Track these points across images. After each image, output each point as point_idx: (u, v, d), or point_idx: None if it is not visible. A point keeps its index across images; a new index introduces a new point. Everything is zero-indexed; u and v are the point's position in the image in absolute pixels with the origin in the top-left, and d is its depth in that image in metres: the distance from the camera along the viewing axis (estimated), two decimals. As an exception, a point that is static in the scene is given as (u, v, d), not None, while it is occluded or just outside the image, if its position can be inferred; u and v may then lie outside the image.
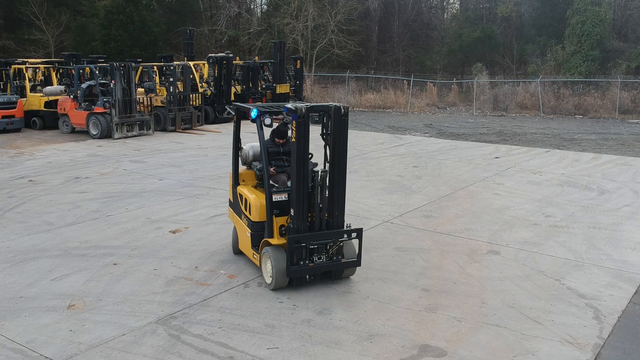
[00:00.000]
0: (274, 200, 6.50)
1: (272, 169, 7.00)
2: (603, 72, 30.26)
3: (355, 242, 6.60)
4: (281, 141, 7.18)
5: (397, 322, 5.72)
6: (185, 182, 11.72)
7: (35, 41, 36.99)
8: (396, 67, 40.91)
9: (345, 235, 6.43)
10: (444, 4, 48.75)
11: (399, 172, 13.02)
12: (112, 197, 10.44)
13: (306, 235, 6.27)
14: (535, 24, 37.24)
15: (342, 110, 6.23)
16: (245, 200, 6.98)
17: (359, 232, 6.45)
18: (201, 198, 10.50)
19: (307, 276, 6.55)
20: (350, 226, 6.49)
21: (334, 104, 6.32)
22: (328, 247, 6.42)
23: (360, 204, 10.16)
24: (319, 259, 6.38)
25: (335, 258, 6.45)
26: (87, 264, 7.18)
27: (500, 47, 38.47)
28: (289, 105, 6.30)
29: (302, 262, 6.28)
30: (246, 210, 6.97)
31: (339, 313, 5.91)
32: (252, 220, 6.78)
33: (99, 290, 6.37)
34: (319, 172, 6.33)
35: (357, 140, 17.79)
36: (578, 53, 30.72)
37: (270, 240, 6.50)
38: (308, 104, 6.49)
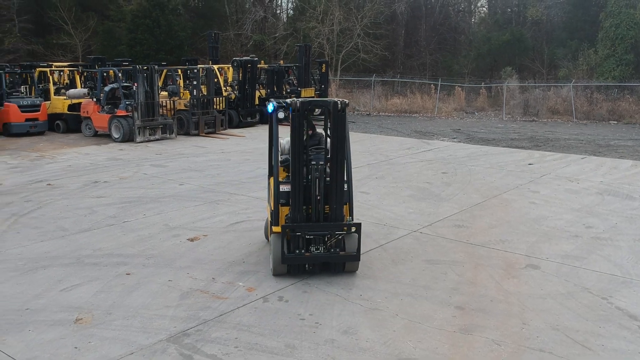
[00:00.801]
0: (280, 190, 6.76)
1: None
2: (638, 77, 29.24)
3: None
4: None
5: (429, 344, 5.21)
6: (206, 188, 11.34)
7: (64, 45, 37.27)
8: (423, 71, 40.26)
9: (344, 229, 6.50)
10: (472, 7, 47.96)
11: (427, 178, 12.48)
12: (130, 202, 10.10)
13: (301, 225, 6.48)
14: (567, 27, 36.26)
15: (339, 106, 6.46)
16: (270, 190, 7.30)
17: (358, 227, 6.53)
18: (222, 204, 10.10)
19: (307, 266, 6.73)
20: (350, 220, 6.72)
21: (333, 99, 6.56)
22: (326, 239, 6.52)
23: (387, 212, 9.66)
24: (317, 249, 6.53)
25: (332, 250, 6.54)
26: (99, 273, 6.81)
27: (530, 51, 37.57)
28: (288, 100, 6.66)
29: (297, 251, 6.47)
30: (270, 200, 7.30)
31: (365, 332, 5.42)
32: (272, 209, 7.00)
33: (109, 303, 5.98)
34: (317, 164, 6.48)
35: (384, 145, 17.28)
36: (612, 57, 29.72)
37: (274, 228, 6.69)
38: (308, 98, 6.82)
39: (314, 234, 6.44)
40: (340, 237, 6.51)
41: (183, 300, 6.07)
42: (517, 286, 6.56)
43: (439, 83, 29.70)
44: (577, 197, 10.81)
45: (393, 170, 13.18)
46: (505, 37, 35.98)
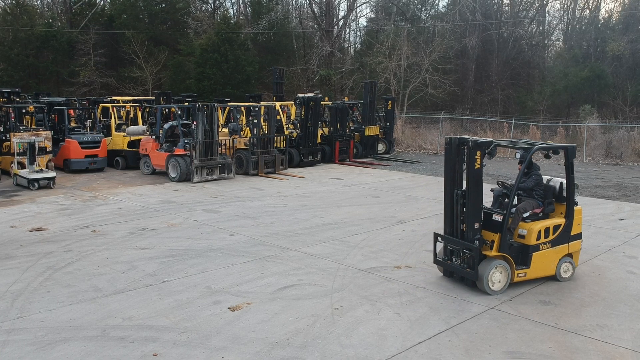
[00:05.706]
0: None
1: None
2: None
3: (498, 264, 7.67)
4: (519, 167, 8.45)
5: None
6: (257, 240, 10.44)
7: (135, 78, 38.06)
8: (494, 107, 38.62)
9: (466, 249, 7.70)
10: (546, 41, 45.96)
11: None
12: (173, 257, 9.30)
13: (444, 236, 8.07)
14: (652, 62, 33.95)
15: (470, 144, 7.58)
16: None
17: (475, 250, 7.55)
18: (272, 261, 9.15)
19: (453, 273, 8.19)
20: (477, 244, 7.57)
21: (472, 138, 7.63)
22: (461, 254, 7.76)
23: (459, 279, 8.41)
24: (456, 261, 7.92)
25: (462, 265, 7.79)
26: (123, 352, 5.93)
27: (611, 88, 35.36)
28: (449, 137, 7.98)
29: (444, 257, 8.09)
30: None
31: None
32: None
33: (125, 398, 5.07)
34: (457, 192, 7.79)
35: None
36: None
37: None
38: (477, 139, 7.65)
39: (451, 246, 7.92)
40: (467, 254, 7.64)
41: (211, 399, 5.08)
42: (627, 400, 5.21)
43: (513, 121, 28.04)
44: (685, 267, 9.20)
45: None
46: (584, 73, 34.03)
